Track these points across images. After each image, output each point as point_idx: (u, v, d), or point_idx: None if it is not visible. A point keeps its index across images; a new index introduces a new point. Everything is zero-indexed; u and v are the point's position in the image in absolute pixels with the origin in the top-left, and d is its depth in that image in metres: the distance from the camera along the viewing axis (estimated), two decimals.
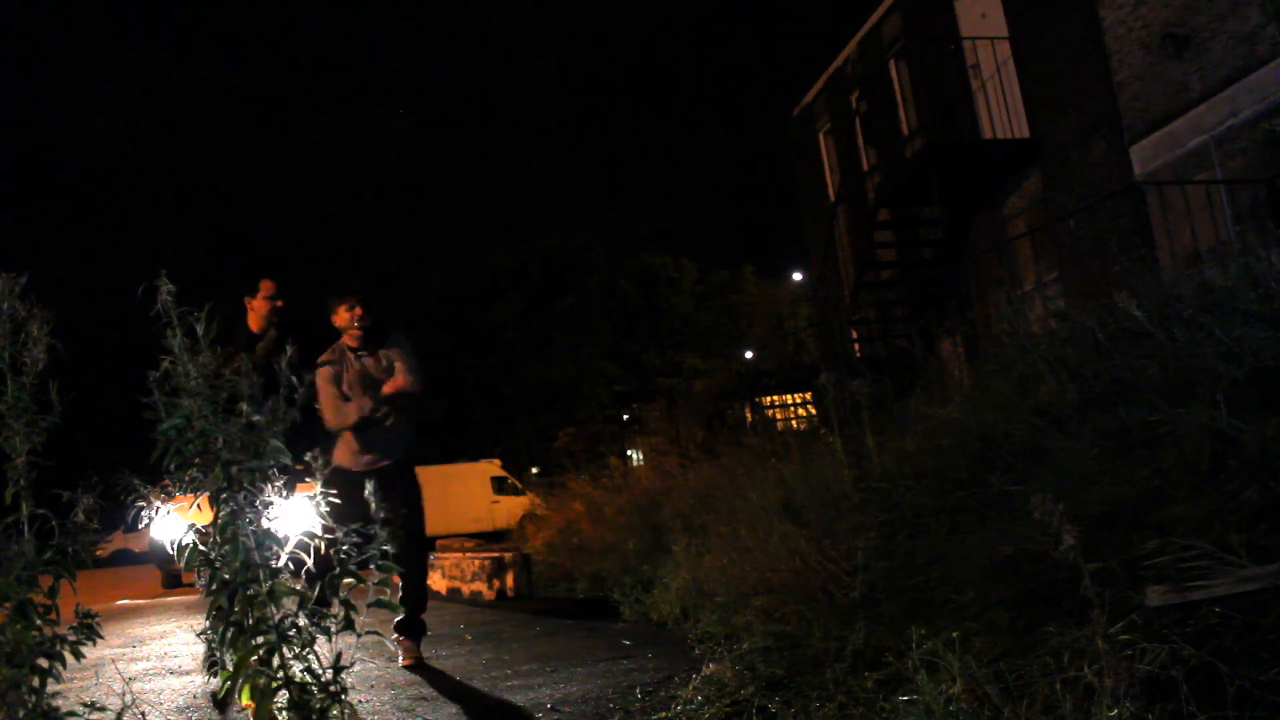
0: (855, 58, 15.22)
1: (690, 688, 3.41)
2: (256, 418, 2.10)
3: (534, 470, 27.28)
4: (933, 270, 11.65)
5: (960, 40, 12.07)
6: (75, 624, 2.00)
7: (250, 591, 2.02)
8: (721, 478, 7.37)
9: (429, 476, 23.16)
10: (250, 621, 2.02)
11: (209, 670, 3.29)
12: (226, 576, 2.04)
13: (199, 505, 2.11)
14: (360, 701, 3.53)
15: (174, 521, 2.16)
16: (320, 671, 2.07)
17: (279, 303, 4.70)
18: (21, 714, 1.87)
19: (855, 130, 14.85)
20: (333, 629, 2.10)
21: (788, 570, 4.55)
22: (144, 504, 2.13)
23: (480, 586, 8.44)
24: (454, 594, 8.82)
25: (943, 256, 11.46)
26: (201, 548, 2.08)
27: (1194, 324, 3.68)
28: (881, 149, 14.73)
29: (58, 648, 1.96)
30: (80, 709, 1.98)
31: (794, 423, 12.21)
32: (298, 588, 2.11)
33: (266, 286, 4.67)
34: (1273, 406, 2.95)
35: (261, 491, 2.09)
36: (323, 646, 2.11)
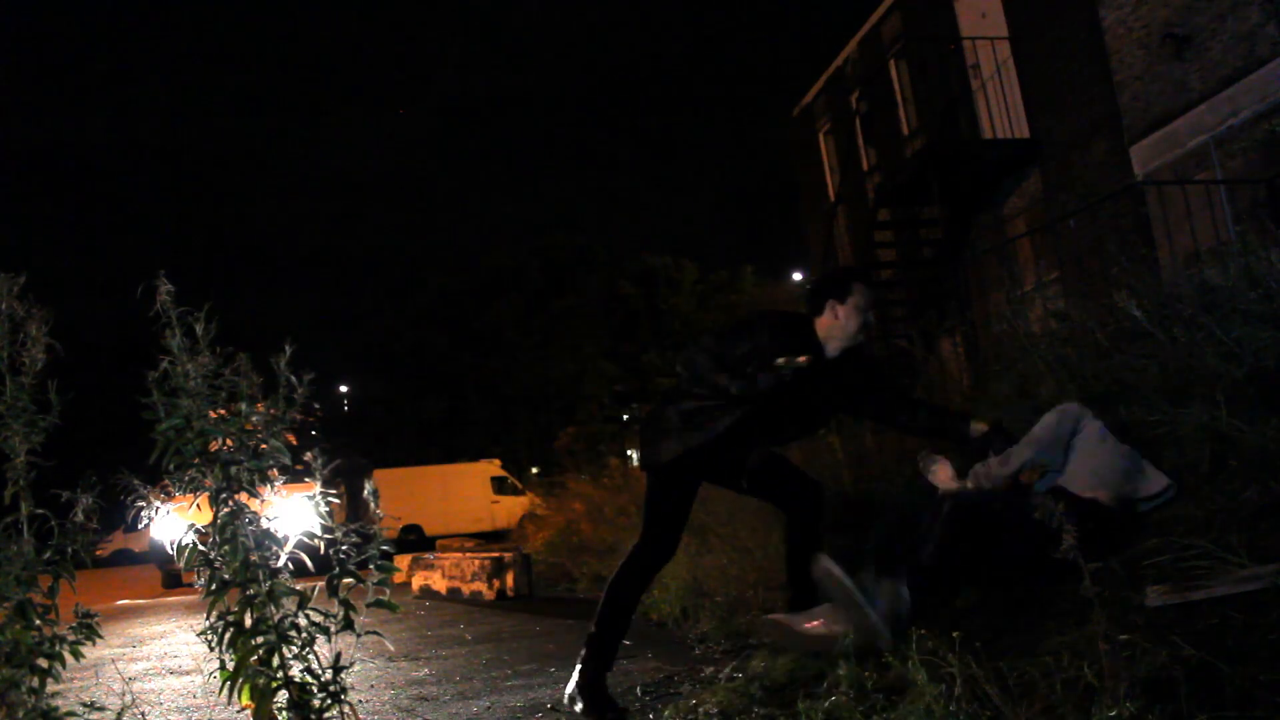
0: (855, 58, 15.22)
1: (690, 687, 3.41)
2: None
3: (534, 470, 27.26)
4: (933, 270, 11.64)
5: (960, 40, 12.06)
6: (75, 624, 2.00)
7: (250, 591, 2.02)
8: None
9: (429, 476, 22.75)
10: (250, 622, 2.02)
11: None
12: (226, 576, 2.04)
13: (199, 505, 2.11)
14: (360, 701, 3.53)
15: (174, 521, 2.16)
16: (320, 671, 2.07)
17: (873, 315, 3.50)
18: (21, 714, 1.87)
19: (855, 130, 14.84)
20: (332, 629, 2.10)
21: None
22: (144, 504, 2.13)
23: (480, 586, 8.44)
24: (454, 594, 8.82)
25: (943, 256, 11.44)
26: (201, 548, 2.08)
27: (1194, 324, 3.67)
28: (881, 149, 14.72)
29: (57, 648, 1.96)
30: (80, 709, 1.98)
31: None
32: (297, 587, 2.10)
33: (861, 291, 3.43)
34: (1273, 406, 2.94)
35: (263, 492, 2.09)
36: (323, 647, 2.11)
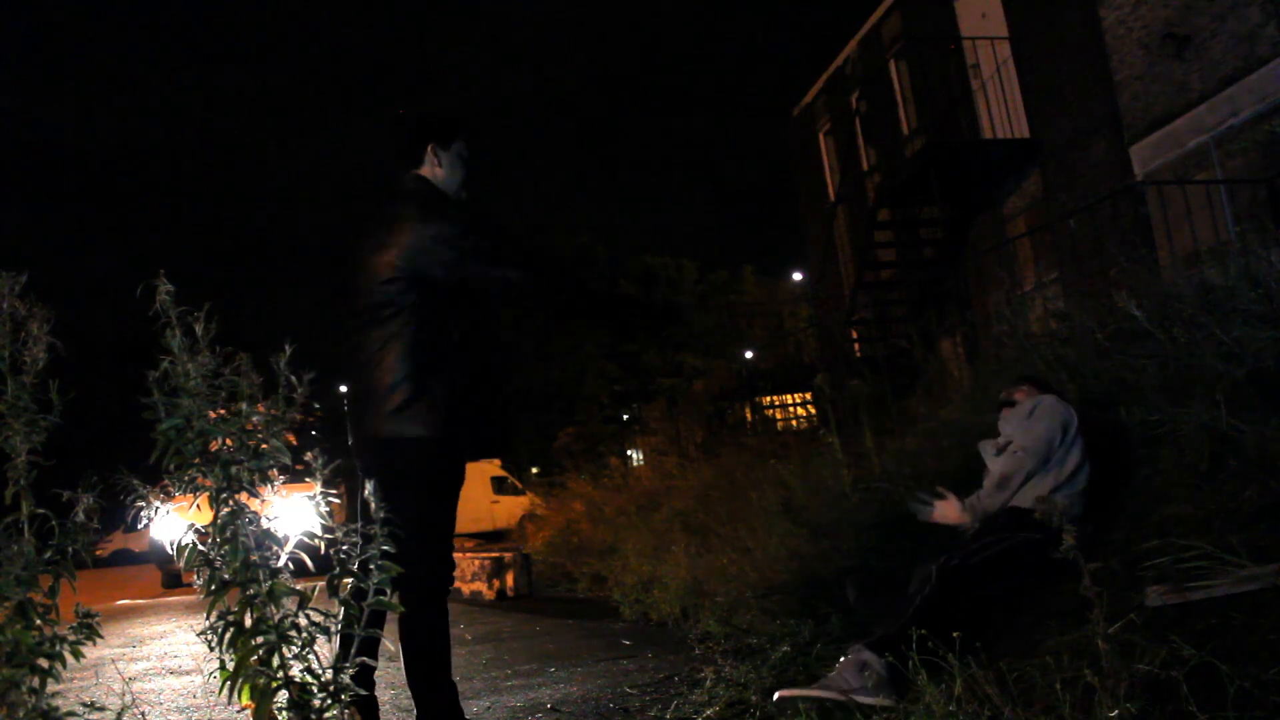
0: (855, 58, 15.22)
1: (690, 687, 3.41)
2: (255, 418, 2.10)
3: (534, 470, 27.26)
4: (933, 270, 11.65)
5: (960, 40, 12.07)
6: (75, 624, 2.00)
7: (250, 591, 2.02)
8: (721, 478, 7.39)
9: None
10: (250, 622, 2.02)
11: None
12: (226, 576, 2.04)
13: (199, 505, 2.11)
14: None
15: (174, 521, 2.16)
16: (320, 671, 2.07)
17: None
18: (22, 714, 1.87)
19: (855, 130, 14.84)
20: (333, 629, 2.10)
21: (787, 570, 4.55)
22: (144, 504, 2.13)
23: (480, 586, 8.44)
24: (454, 594, 8.81)
25: (943, 256, 11.46)
26: (201, 548, 2.08)
27: (1194, 324, 3.68)
28: (881, 149, 14.73)
29: (58, 648, 1.96)
30: (80, 709, 1.98)
31: (794, 423, 12.21)
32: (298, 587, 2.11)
33: (464, 139, 3.05)
34: (1273, 406, 2.95)
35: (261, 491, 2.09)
36: (323, 647, 2.11)
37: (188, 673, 4.80)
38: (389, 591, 2.20)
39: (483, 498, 22.46)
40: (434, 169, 2.96)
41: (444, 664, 2.73)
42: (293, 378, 2.14)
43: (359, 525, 2.19)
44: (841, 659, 2.70)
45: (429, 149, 2.95)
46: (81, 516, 2.03)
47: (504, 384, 2.92)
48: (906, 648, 2.38)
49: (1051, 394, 3.44)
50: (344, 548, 2.14)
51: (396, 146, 3.01)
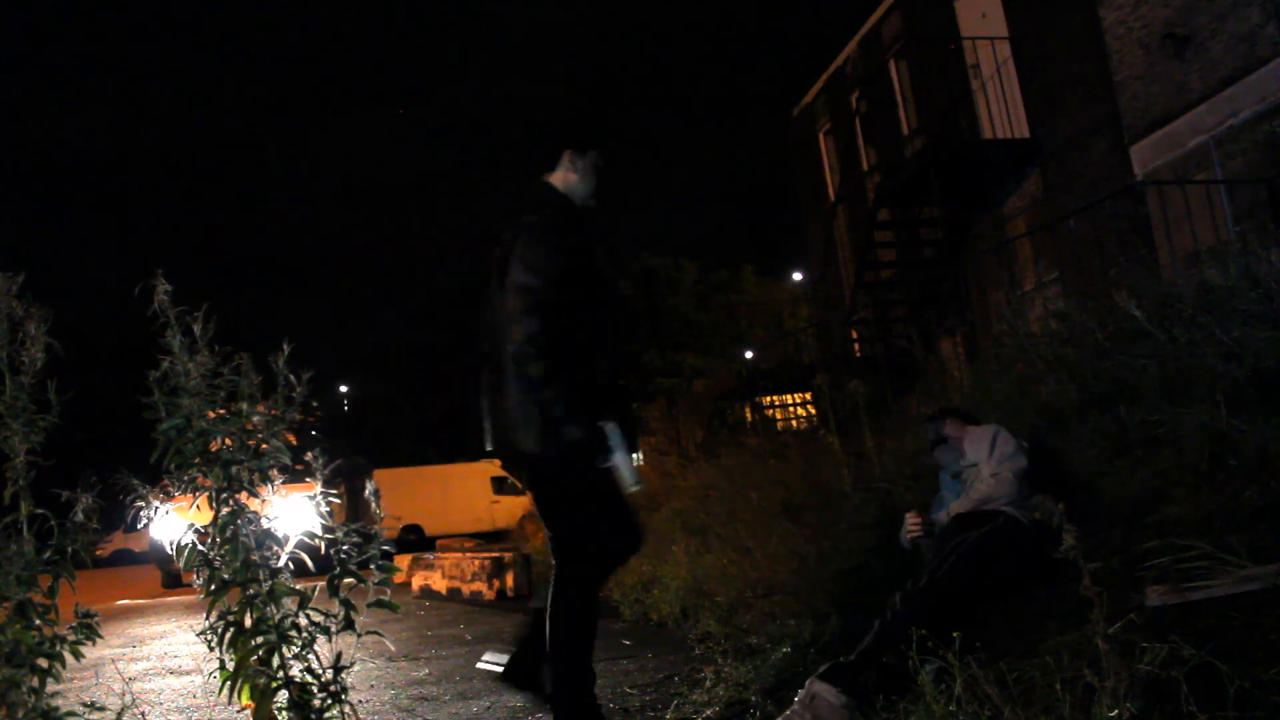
0: (855, 58, 15.22)
1: (690, 687, 3.41)
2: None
3: None
4: (933, 270, 11.64)
5: (960, 40, 12.06)
6: (75, 624, 2.00)
7: (250, 591, 2.02)
8: (721, 478, 7.38)
9: (429, 476, 22.71)
10: (250, 622, 2.02)
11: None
12: (226, 576, 2.04)
13: (199, 505, 2.11)
14: (360, 701, 3.52)
15: (174, 521, 2.16)
16: (320, 671, 2.07)
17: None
18: (22, 714, 1.87)
19: (855, 130, 14.84)
20: (333, 629, 2.10)
21: (787, 570, 4.55)
22: (144, 504, 2.13)
23: (480, 586, 8.44)
24: (454, 594, 8.82)
25: (943, 256, 11.45)
26: (201, 548, 2.08)
27: (1194, 324, 3.68)
28: (881, 149, 14.72)
29: (58, 648, 1.96)
30: (80, 709, 1.98)
31: (794, 423, 12.20)
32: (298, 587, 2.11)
33: (599, 147, 3.01)
34: (1273, 406, 2.94)
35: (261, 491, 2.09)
36: (323, 647, 2.11)
37: (188, 673, 4.80)
38: (389, 591, 2.20)
39: (483, 498, 22.47)
40: (567, 175, 2.89)
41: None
42: (292, 377, 2.14)
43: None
44: (798, 694, 2.67)
45: (566, 155, 2.89)
46: (81, 516, 2.03)
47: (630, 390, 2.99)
48: (865, 675, 2.45)
49: (987, 424, 3.67)
50: (344, 548, 2.14)
51: (531, 149, 2.95)
